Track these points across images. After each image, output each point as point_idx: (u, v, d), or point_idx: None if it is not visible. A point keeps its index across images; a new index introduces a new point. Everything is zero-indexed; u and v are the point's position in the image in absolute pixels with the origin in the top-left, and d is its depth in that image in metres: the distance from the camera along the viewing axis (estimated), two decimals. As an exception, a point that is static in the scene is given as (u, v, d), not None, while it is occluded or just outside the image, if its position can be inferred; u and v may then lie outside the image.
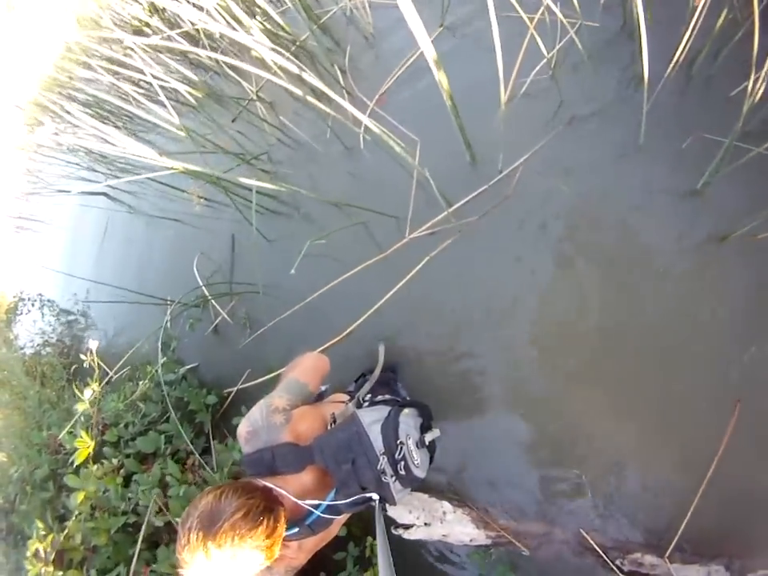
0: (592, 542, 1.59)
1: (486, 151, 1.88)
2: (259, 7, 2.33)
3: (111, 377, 2.76)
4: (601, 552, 1.57)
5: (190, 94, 2.46)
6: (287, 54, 2.06)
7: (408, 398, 1.45)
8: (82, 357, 2.05)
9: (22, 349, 3.50)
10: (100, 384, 1.85)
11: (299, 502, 0.94)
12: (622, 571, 1.55)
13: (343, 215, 2.11)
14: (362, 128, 2.14)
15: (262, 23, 2.33)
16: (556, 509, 1.65)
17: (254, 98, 2.53)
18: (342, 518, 1.06)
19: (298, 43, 2.47)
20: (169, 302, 2.46)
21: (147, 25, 2.88)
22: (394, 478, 1.03)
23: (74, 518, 1.60)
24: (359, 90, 2.27)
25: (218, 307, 2.37)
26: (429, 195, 1.90)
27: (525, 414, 1.74)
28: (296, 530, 0.95)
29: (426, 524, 1.74)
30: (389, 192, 2.06)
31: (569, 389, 1.66)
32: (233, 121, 2.73)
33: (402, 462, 1.05)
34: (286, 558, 0.97)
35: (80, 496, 1.64)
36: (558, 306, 1.71)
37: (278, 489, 0.91)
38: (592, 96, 1.76)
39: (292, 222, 2.35)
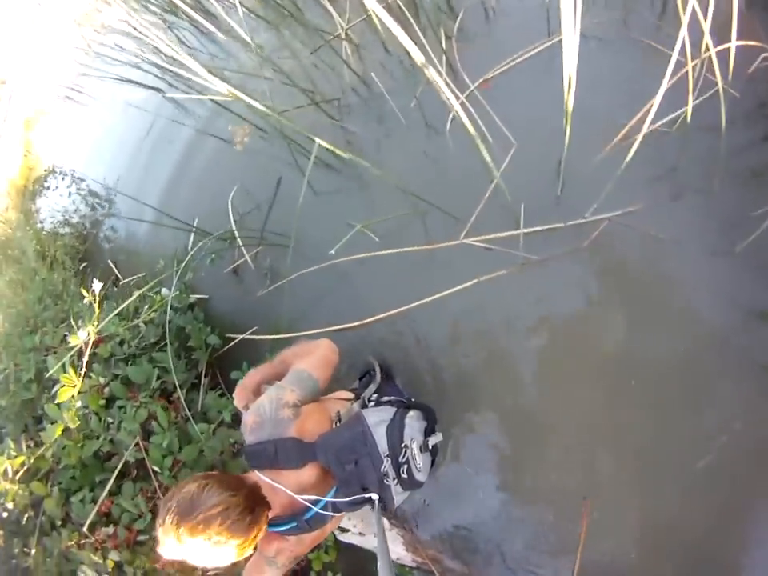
0: None
1: (577, 188, 1.65)
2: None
3: (120, 281, 2.70)
4: None
5: (273, 4, 2.19)
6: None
7: (413, 400, 1.39)
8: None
9: (41, 223, 3.44)
10: (97, 324, 1.75)
11: (298, 497, 0.94)
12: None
13: (402, 196, 1.91)
14: (454, 109, 1.89)
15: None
16: (485, 560, 1.58)
17: (342, 35, 2.25)
18: (341, 516, 1.06)
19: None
20: (195, 230, 2.33)
21: None
22: (395, 481, 1.03)
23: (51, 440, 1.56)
24: (462, 65, 1.98)
25: (243, 250, 2.23)
26: (500, 209, 1.68)
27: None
28: (294, 524, 0.96)
29: (360, 533, 1.75)
30: (459, 188, 1.83)
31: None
32: (312, 53, 2.46)
33: (405, 466, 1.05)
34: (286, 550, 0.98)
35: (57, 430, 1.58)
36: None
37: (274, 484, 0.93)
38: (710, 173, 1.49)
39: (346, 181, 2.14)
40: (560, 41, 1.06)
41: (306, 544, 1.01)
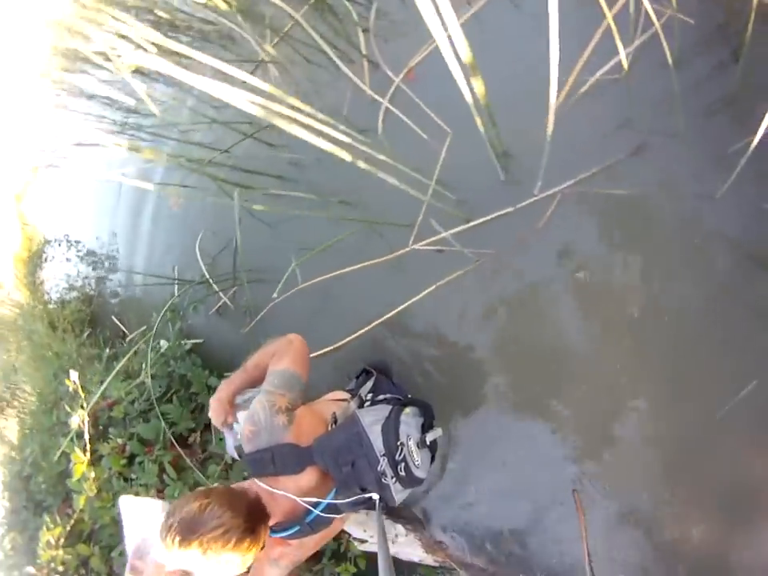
0: None
1: (525, 165, 1.57)
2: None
3: (127, 337, 2.85)
4: None
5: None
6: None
7: (410, 396, 1.41)
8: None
9: (47, 294, 3.65)
10: (87, 407, 1.87)
11: (299, 500, 0.95)
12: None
13: (352, 210, 1.90)
14: (382, 109, 1.83)
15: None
16: (507, 552, 1.61)
17: (266, 58, 2.20)
18: (345, 516, 1.07)
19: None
20: (176, 280, 2.41)
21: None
22: (394, 479, 1.03)
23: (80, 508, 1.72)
24: (384, 59, 1.91)
25: (219, 292, 2.29)
26: (452, 205, 1.65)
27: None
28: (296, 528, 0.97)
29: (370, 536, 1.77)
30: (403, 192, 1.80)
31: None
32: (251, 73, 2.41)
33: (403, 464, 1.05)
34: (290, 554, 1.01)
35: (81, 500, 1.74)
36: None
37: (274, 491, 0.94)
38: (670, 116, 1.37)
39: (297, 203, 2.12)
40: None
41: (309, 546, 1.03)
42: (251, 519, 0.85)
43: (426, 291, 1.64)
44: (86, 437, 1.80)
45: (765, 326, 1.27)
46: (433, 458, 1.23)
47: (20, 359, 3.04)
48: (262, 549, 0.89)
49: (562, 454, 1.50)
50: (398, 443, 1.05)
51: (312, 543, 1.02)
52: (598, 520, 1.46)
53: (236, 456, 1.17)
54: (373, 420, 1.07)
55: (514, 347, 1.61)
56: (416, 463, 1.08)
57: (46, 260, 3.98)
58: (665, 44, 1.24)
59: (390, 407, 1.15)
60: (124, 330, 2.98)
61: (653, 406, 1.39)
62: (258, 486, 0.96)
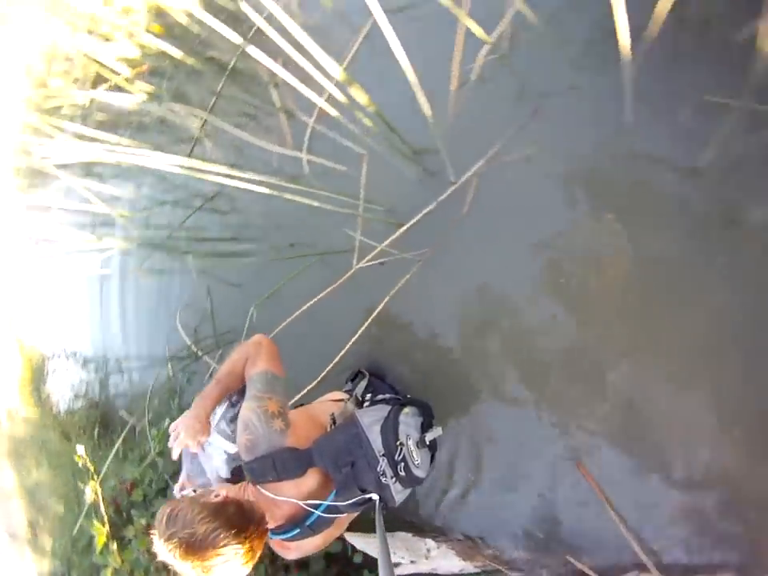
0: (583, 567, 1.54)
1: (438, 159, 1.65)
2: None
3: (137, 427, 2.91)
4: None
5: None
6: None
7: (408, 396, 1.43)
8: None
9: (56, 407, 3.75)
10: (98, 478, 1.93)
11: (299, 503, 0.95)
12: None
13: (302, 248, 2.00)
14: (304, 153, 1.98)
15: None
16: (542, 536, 1.62)
17: (200, 136, 2.39)
18: (345, 517, 1.06)
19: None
20: (168, 359, 2.51)
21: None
22: (394, 479, 1.03)
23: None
24: (299, 106, 2.08)
25: (208, 360, 2.38)
26: (381, 219, 1.77)
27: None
28: (296, 531, 0.96)
29: (411, 562, 1.75)
30: (341, 219, 1.86)
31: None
32: (191, 152, 2.60)
33: (402, 463, 1.05)
34: (289, 555, 1.03)
35: (108, 573, 1.77)
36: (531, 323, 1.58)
37: (276, 497, 0.94)
38: (557, 72, 1.50)
39: (256, 259, 2.25)
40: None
41: (308, 549, 1.03)
42: (252, 535, 0.84)
43: (382, 304, 1.73)
44: (102, 506, 1.84)
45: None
46: (433, 458, 1.23)
47: (39, 473, 3.09)
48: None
49: (557, 432, 1.56)
50: (398, 443, 1.06)
51: (312, 545, 1.02)
52: (609, 479, 1.50)
53: (219, 476, 1.06)
54: (372, 420, 1.07)
55: (484, 333, 1.67)
56: (416, 463, 1.09)
57: (48, 374, 4.10)
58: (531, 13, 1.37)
59: (389, 407, 1.16)
60: (132, 420, 3.05)
61: (632, 369, 1.44)
62: (260, 492, 0.94)
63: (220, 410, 1.08)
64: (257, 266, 2.17)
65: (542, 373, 1.58)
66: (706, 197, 1.33)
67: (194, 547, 0.77)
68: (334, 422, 1.09)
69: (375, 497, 1.00)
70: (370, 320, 1.77)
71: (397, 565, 1.80)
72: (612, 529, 1.49)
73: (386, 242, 1.66)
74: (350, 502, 0.98)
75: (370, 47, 1.91)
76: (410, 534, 1.81)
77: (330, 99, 1.94)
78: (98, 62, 2.38)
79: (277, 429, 0.95)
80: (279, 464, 0.93)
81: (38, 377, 4.14)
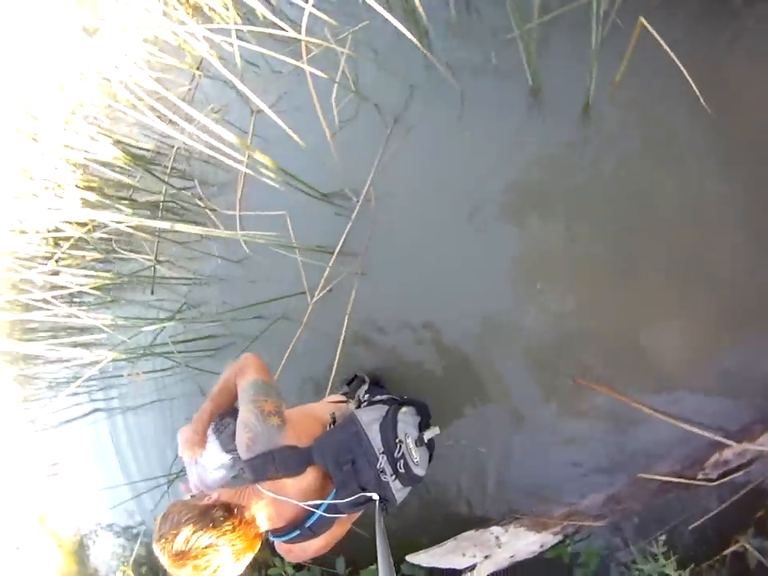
0: (657, 476, 1.52)
1: (341, 190, 2.00)
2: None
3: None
4: (677, 479, 1.49)
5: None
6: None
7: (405, 397, 1.45)
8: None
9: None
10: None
11: (299, 503, 0.95)
12: (712, 480, 1.48)
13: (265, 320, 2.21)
14: (240, 236, 2.23)
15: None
16: (598, 472, 1.64)
17: (155, 262, 2.64)
18: (346, 519, 1.06)
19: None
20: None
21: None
22: (393, 477, 1.04)
23: None
24: (221, 204, 2.38)
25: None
26: (314, 257, 2.02)
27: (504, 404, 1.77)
28: (297, 533, 0.97)
29: (486, 557, 1.70)
30: (288, 273, 2.13)
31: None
32: (152, 293, 2.81)
33: (402, 461, 1.06)
34: (292, 557, 1.03)
35: None
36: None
37: (276, 496, 0.93)
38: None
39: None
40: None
41: (311, 551, 1.03)
42: (239, 536, 0.85)
43: (345, 325, 1.94)
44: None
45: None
46: (431, 457, 1.25)
47: None
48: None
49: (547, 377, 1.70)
50: (397, 441, 1.08)
51: (314, 547, 1.03)
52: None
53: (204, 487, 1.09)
54: (371, 419, 1.10)
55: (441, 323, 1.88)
56: (415, 461, 1.10)
57: (89, 556, 3.95)
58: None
59: (387, 407, 1.18)
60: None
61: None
62: (260, 491, 0.94)
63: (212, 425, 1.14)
64: (237, 349, 2.34)
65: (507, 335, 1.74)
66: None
67: (181, 547, 0.79)
68: (334, 422, 1.12)
69: (375, 497, 1.02)
70: (343, 336, 1.96)
71: (473, 567, 1.74)
72: (661, 426, 1.51)
73: (326, 272, 1.92)
74: (350, 500, 0.99)
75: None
76: (471, 531, 1.77)
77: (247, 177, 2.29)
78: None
79: (274, 425, 0.98)
80: (279, 460, 0.94)
81: (80, 560, 3.97)
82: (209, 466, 1.07)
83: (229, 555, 0.82)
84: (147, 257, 2.62)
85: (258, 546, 0.89)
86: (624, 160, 1.62)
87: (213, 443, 1.09)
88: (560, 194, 1.70)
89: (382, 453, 1.04)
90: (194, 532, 0.80)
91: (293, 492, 0.96)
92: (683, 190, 1.55)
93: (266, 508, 0.94)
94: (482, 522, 1.80)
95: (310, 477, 0.99)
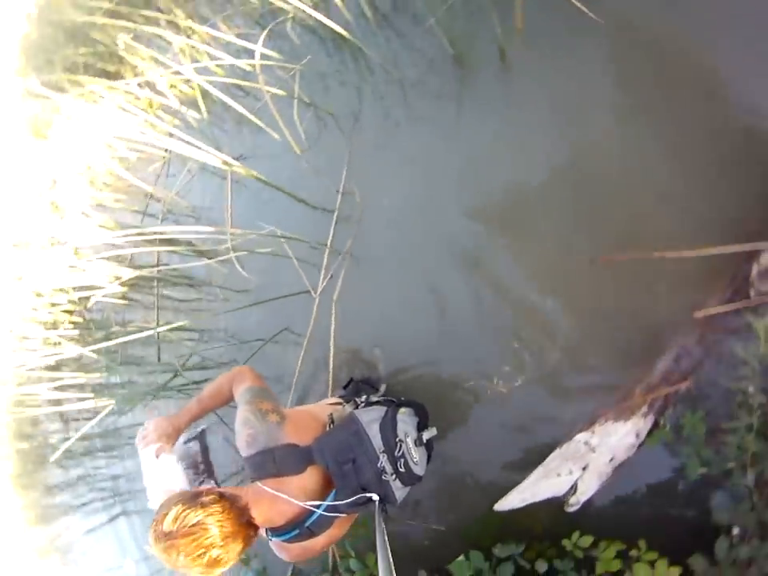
0: (717, 309, 1.47)
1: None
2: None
3: None
4: (734, 306, 1.45)
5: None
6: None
7: (402, 398, 1.44)
8: None
9: None
10: None
11: (298, 503, 0.95)
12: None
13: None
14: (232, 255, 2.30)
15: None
16: (660, 334, 1.59)
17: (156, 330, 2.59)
18: (345, 519, 1.05)
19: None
20: None
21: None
22: (394, 476, 1.06)
23: None
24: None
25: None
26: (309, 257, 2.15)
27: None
28: (296, 532, 0.96)
29: (584, 469, 1.57)
30: (288, 281, 2.21)
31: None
32: (158, 360, 2.73)
33: (402, 460, 1.08)
34: (291, 556, 1.02)
35: None
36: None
37: (276, 493, 0.93)
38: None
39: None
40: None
41: (308, 551, 1.02)
42: (227, 519, 0.83)
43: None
44: None
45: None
46: (430, 457, 1.28)
47: None
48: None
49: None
50: (397, 440, 1.10)
51: (313, 547, 1.02)
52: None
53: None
54: (371, 419, 1.11)
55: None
56: (414, 460, 1.13)
57: None
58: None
59: (386, 408, 1.20)
60: None
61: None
62: (260, 488, 0.94)
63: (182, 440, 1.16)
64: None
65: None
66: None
67: (169, 527, 0.78)
68: (333, 422, 1.13)
69: (375, 497, 1.03)
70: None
71: (575, 489, 1.54)
72: (692, 265, 1.51)
73: (324, 263, 2.09)
74: (350, 500, 1.00)
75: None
76: (557, 450, 1.60)
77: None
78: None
79: (273, 422, 0.99)
80: (279, 458, 0.96)
81: None
82: (166, 469, 1.03)
83: (216, 536, 0.78)
84: (148, 325, 2.59)
85: (252, 534, 0.86)
86: (549, 93, 1.83)
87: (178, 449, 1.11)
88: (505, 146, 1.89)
89: (383, 452, 1.06)
90: (182, 511, 0.79)
91: (293, 491, 0.96)
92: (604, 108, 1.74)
93: (265, 506, 0.94)
94: (563, 438, 1.64)
95: (310, 476, 1.00)
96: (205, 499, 0.82)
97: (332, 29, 2.04)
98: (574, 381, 1.67)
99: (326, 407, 1.28)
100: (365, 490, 1.01)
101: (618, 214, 1.66)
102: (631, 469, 1.56)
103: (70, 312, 2.47)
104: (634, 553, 1.42)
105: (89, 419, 2.43)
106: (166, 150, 2.83)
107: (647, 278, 1.62)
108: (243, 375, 1.15)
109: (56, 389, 2.28)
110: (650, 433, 1.54)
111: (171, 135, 2.66)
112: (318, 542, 1.01)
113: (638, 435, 1.53)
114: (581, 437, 1.55)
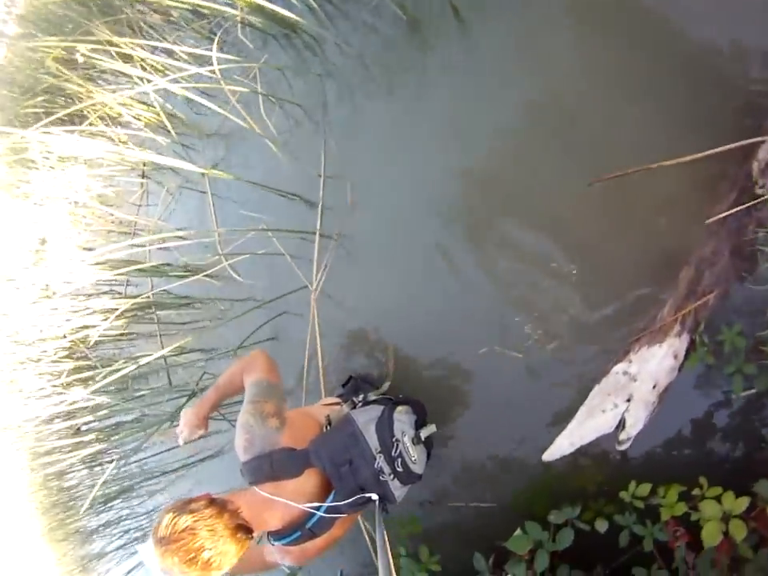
0: (727, 212, 1.40)
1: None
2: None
3: None
4: (741, 205, 1.39)
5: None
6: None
7: (400, 396, 1.43)
8: None
9: None
10: None
11: (298, 505, 0.95)
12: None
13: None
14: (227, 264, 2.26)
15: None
16: (674, 249, 1.53)
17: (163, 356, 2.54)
18: (346, 519, 1.05)
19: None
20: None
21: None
22: (392, 476, 1.05)
23: None
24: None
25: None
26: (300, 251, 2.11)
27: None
28: (297, 534, 0.97)
29: (628, 401, 1.49)
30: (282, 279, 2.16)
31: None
32: (170, 383, 2.65)
33: (399, 459, 1.08)
34: (292, 559, 1.02)
35: None
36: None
37: (273, 498, 0.93)
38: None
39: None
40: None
41: (311, 552, 1.01)
42: (218, 521, 0.85)
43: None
44: None
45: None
46: (429, 455, 1.27)
47: None
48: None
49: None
50: (394, 439, 1.10)
51: (314, 548, 1.02)
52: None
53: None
54: (367, 419, 1.11)
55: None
56: (412, 459, 1.13)
57: None
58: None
59: (383, 407, 1.20)
60: None
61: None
62: (257, 493, 0.95)
63: None
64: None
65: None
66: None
67: (162, 532, 0.81)
68: (330, 423, 1.12)
69: (375, 497, 1.03)
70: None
71: (624, 424, 1.47)
72: (687, 172, 1.43)
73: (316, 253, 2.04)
74: (349, 501, 1.00)
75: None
76: (596, 387, 1.53)
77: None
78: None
79: (272, 427, 0.99)
80: (276, 462, 0.95)
81: None
82: None
83: (206, 539, 0.81)
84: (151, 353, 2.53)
85: (244, 537, 0.88)
86: (512, 40, 1.80)
87: None
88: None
89: (379, 452, 1.06)
90: (173, 517, 0.82)
91: (291, 494, 0.97)
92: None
93: (264, 510, 0.95)
94: (600, 375, 1.59)
95: (308, 479, 1.00)
96: (194, 505, 0.84)
97: (281, 23, 2.02)
98: (598, 316, 1.62)
99: (324, 408, 1.27)
100: (363, 491, 1.01)
101: (605, 140, 1.63)
102: (677, 398, 1.50)
103: (71, 357, 2.41)
104: (696, 492, 1.34)
105: (111, 461, 2.38)
106: (142, 179, 2.81)
107: (649, 199, 1.59)
108: (255, 363, 1.13)
109: (74, 435, 2.21)
110: (687, 354, 1.48)
111: (144, 165, 2.66)
112: (319, 542, 1.01)
113: (676, 356, 1.48)
114: (618, 368, 1.50)
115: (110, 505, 2.46)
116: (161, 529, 0.81)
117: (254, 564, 1.08)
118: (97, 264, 2.45)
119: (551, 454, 1.52)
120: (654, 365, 1.47)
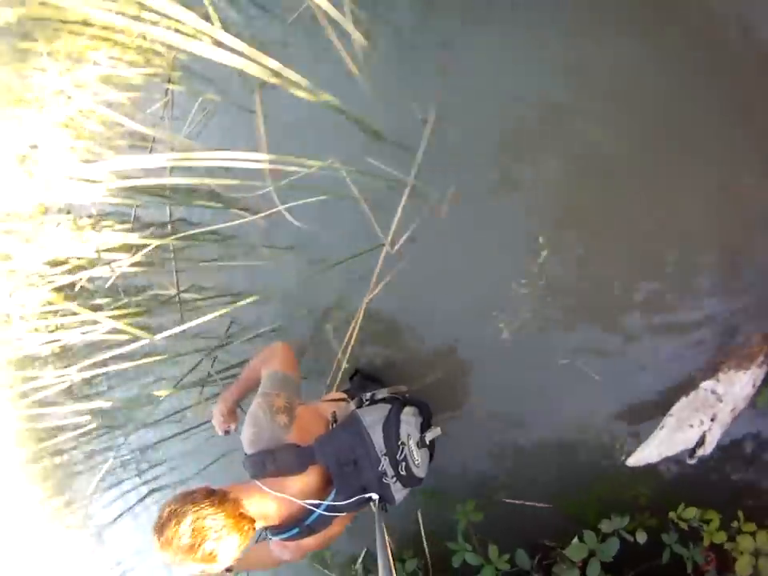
0: None
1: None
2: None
3: None
4: None
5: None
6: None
7: (407, 396, 1.40)
8: None
9: None
10: None
11: (299, 501, 0.95)
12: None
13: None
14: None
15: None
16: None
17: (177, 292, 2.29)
18: (345, 517, 1.05)
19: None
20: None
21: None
22: (394, 479, 1.04)
23: None
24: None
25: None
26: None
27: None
28: (296, 530, 0.97)
29: (712, 420, 1.45)
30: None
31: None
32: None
33: (404, 463, 1.07)
34: (288, 553, 1.02)
35: None
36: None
37: (275, 493, 0.93)
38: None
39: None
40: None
41: (307, 548, 1.02)
42: (216, 512, 0.84)
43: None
44: None
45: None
46: (431, 457, 1.24)
47: None
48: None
49: None
50: (399, 443, 1.08)
51: (311, 545, 1.01)
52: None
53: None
54: (374, 419, 1.09)
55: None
56: (416, 462, 1.11)
57: None
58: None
59: (390, 406, 1.17)
60: None
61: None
62: (259, 487, 0.94)
63: None
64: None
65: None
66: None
67: (162, 523, 0.81)
68: (335, 421, 1.11)
69: (375, 496, 1.02)
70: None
71: (702, 442, 1.45)
72: None
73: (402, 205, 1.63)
74: (350, 501, 0.99)
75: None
76: (682, 399, 1.48)
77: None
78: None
79: (281, 423, 0.98)
80: (280, 458, 0.95)
81: None
82: None
83: (207, 529, 0.81)
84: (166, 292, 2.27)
85: (247, 527, 0.88)
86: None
87: None
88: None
89: (384, 455, 1.04)
90: (174, 509, 0.82)
91: (293, 490, 0.96)
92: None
93: (264, 504, 0.94)
94: (688, 387, 1.51)
95: (311, 475, 0.99)
96: (195, 496, 0.85)
97: None
98: (691, 327, 1.51)
99: (331, 404, 1.25)
100: (365, 491, 1.01)
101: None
102: (742, 425, 1.48)
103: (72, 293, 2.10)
104: (734, 524, 1.41)
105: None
106: (167, 87, 2.37)
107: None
108: (273, 355, 1.13)
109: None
110: (761, 387, 1.45)
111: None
112: (316, 539, 1.00)
113: (754, 385, 1.45)
114: (707, 384, 1.45)
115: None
116: (161, 521, 0.82)
117: (262, 558, 1.09)
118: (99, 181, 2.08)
119: (637, 459, 1.49)
120: (738, 389, 1.44)
